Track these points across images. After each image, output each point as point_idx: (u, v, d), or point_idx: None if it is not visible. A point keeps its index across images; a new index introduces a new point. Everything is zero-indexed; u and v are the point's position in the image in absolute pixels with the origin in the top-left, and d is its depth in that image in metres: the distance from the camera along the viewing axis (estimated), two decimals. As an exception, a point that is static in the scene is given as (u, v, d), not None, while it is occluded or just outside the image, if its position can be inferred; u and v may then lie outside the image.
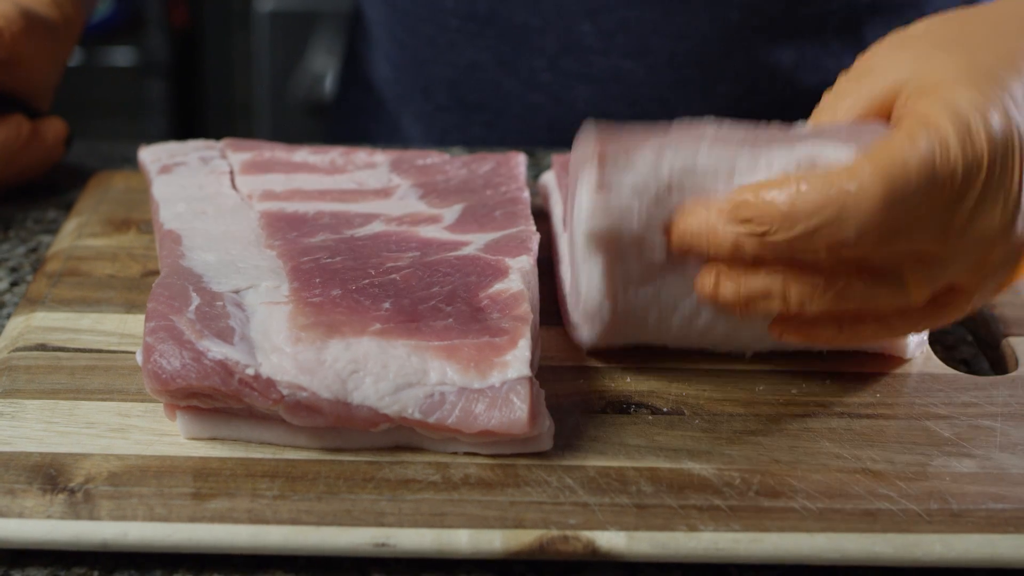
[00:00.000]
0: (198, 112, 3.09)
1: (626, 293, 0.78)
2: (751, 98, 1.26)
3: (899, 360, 0.84)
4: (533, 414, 0.72)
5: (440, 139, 1.36)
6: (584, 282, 0.78)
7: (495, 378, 0.73)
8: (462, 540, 0.69)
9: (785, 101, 1.26)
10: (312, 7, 2.76)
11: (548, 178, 1.00)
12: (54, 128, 1.09)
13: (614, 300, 0.78)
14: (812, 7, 1.21)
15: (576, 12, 1.24)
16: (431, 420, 0.72)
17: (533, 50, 1.27)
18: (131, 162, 1.12)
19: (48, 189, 1.10)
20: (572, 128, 1.27)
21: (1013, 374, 0.84)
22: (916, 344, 0.84)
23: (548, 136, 1.29)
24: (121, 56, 2.91)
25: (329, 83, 2.60)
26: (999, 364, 0.88)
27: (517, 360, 0.74)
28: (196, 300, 0.77)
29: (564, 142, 1.19)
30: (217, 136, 1.07)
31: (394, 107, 1.41)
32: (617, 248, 0.76)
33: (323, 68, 2.67)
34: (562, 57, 1.26)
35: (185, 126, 3.02)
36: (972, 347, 0.93)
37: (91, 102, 2.82)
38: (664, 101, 1.00)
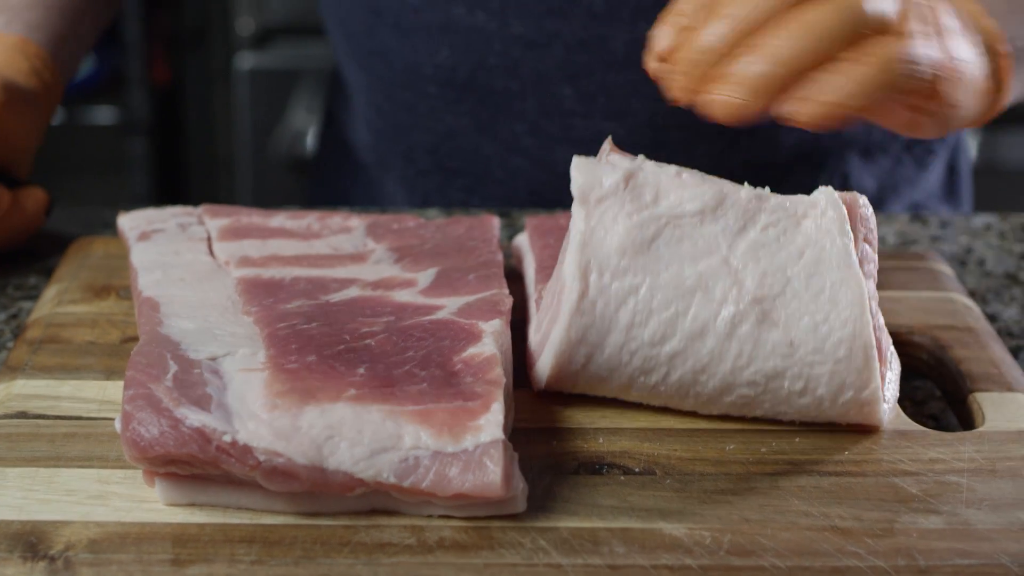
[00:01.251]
0: (180, 169, 3.10)
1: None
2: (732, 156, 1.28)
3: (874, 428, 0.85)
4: (507, 477, 0.73)
5: (423, 201, 1.37)
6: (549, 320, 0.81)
7: (469, 442, 0.74)
8: (437, 603, 0.70)
9: (765, 159, 1.28)
10: (292, 65, 2.78)
11: (522, 240, 1.02)
12: (34, 197, 1.10)
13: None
14: None
15: (556, 77, 1.25)
16: (406, 484, 0.73)
17: (513, 114, 1.28)
18: (111, 227, 1.13)
19: (28, 255, 1.11)
20: (553, 190, 1.30)
21: (979, 429, 0.86)
22: (889, 410, 0.85)
23: (529, 199, 1.31)
24: (102, 115, 2.93)
25: (310, 140, 2.61)
26: (966, 419, 0.89)
27: (490, 424, 0.75)
28: (174, 367, 0.78)
29: (545, 203, 1.21)
30: (198, 193, 1.09)
31: (375, 170, 1.42)
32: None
33: (303, 125, 2.68)
34: (543, 120, 1.28)
35: (167, 183, 3.03)
36: (941, 402, 0.94)
37: (72, 161, 2.83)
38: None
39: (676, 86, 0.83)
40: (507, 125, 1.29)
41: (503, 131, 1.29)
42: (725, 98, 0.80)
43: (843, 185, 1.31)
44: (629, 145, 1.26)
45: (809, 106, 0.79)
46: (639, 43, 1.23)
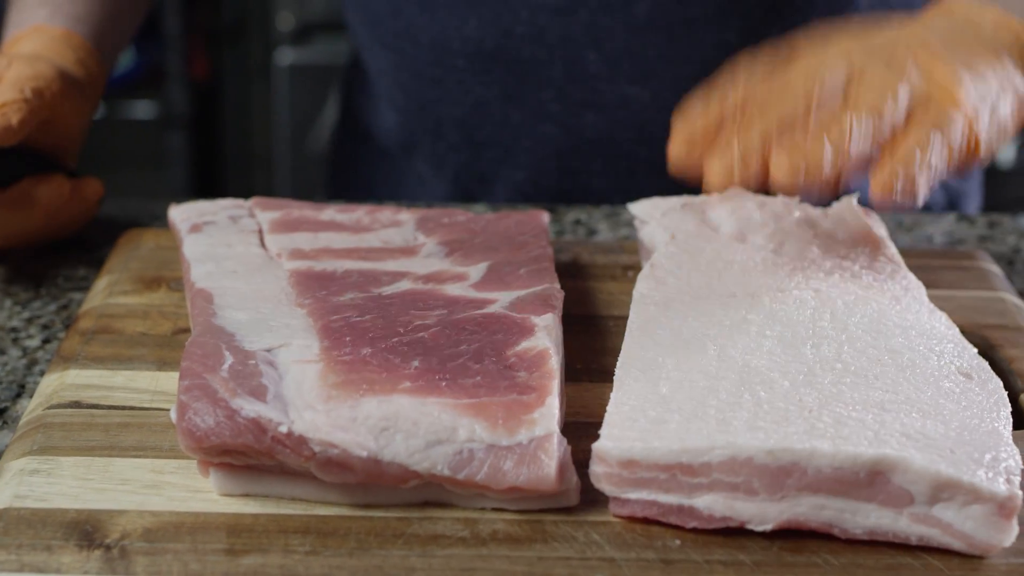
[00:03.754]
0: (218, 164, 3.10)
1: None
2: None
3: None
4: (561, 470, 0.74)
5: (453, 178, 1.37)
6: None
7: (523, 435, 0.74)
8: (491, 595, 0.70)
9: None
10: (330, 60, 2.78)
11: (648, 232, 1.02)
12: (92, 187, 1.11)
13: None
14: (807, 27, 1.23)
15: (581, 42, 1.26)
16: (460, 476, 0.73)
17: (540, 82, 1.29)
18: (159, 219, 1.14)
19: (78, 246, 1.12)
20: (580, 157, 1.30)
21: (1032, 429, 0.85)
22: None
23: (557, 164, 1.31)
24: (142, 109, 2.94)
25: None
26: (1018, 419, 0.88)
27: (544, 417, 0.75)
28: (229, 359, 0.79)
29: (573, 171, 1.22)
30: (237, 187, 1.09)
31: (399, 154, 1.42)
32: None
33: (342, 121, 2.68)
34: (569, 87, 1.28)
35: (205, 178, 3.04)
36: (991, 402, 0.94)
37: (112, 155, 2.84)
38: (670, 125, 1.02)
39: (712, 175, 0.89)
40: (534, 93, 1.29)
41: (530, 99, 1.30)
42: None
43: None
44: (653, 109, 1.26)
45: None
46: (662, 6, 1.24)
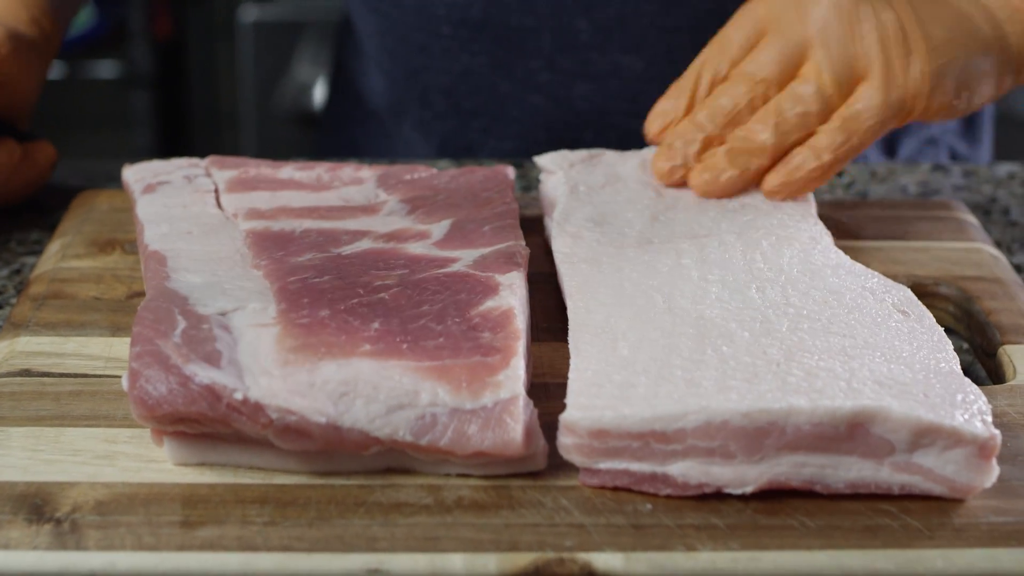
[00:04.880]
0: (183, 123, 3.07)
1: None
2: None
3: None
4: (527, 434, 0.71)
5: (440, 145, 1.35)
6: None
7: (488, 398, 0.72)
8: (456, 564, 0.68)
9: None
10: (296, 17, 2.74)
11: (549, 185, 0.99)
12: (44, 152, 1.08)
13: None
14: None
15: (571, 9, 1.23)
16: (423, 442, 0.71)
17: (529, 51, 1.26)
18: (115, 180, 1.11)
19: (31, 209, 1.09)
20: (571, 128, 1.27)
21: (1011, 383, 0.83)
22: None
23: (547, 136, 1.28)
24: (105, 69, 2.90)
25: (317, 93, 2.58)
26: (997, 373, 0.87)
27: (510, 379, 0.73)
28: (182, 323, 0.76)
29: (564, 142, 1.19)
30: (202, 147, 1.06)
31: (389, 118, 1.40)
32: None
33: (308, 78, 2.65)
34: (559, 56, 1.26)
35: (170, 138, 3.01)
36: (969, 355, 0.92)
37: (75, 116, 2.80)
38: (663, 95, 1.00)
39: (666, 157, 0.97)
40: (523, 62, 1.27)
41: (519, 68, 1.27)
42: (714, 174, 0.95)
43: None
44: (645, 79, 1.24)
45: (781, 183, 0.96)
46: None
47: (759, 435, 0.71)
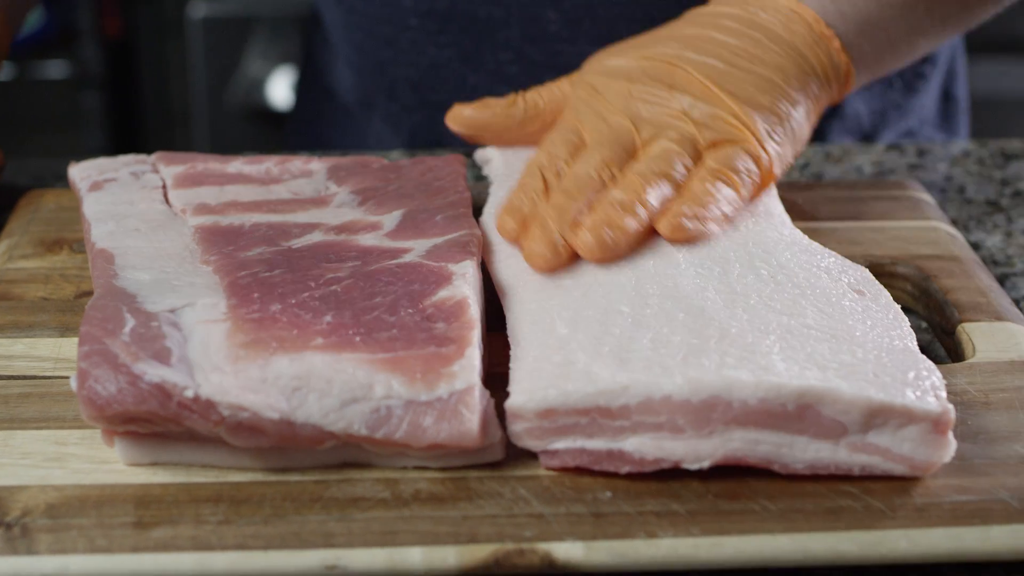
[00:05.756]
0: (135, 122, 3.05)
1: None
2: None
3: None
4: (484, 425, 0.71)
5: (409, 140, 1.34)
6: None
7: (443, 389, 0.71)
8: (415, 558, 0.67)
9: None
10: (246, 12, 2.73)
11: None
12: None
13: None
14: None
15: (540, 1, 1.22)
16: (378, 435, 0.70)
17: (497, 43, 1.25)
18: (62, 179, 1.09)
19: (-24, 211, 1.08)
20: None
21: (970, 361, 0.83)
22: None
23: None
24: (54, 69, 2.87)
25: (268, 88, 2.57)
26: (956, 351, 0.86)
27: (465, 370, 0.72)
28: (131, 321, 0.75)
29: None
30: (155, 146, 1.04)
31: (358, 111, 1.38)
32: None
33: (260, 73, 2.64)
34: (528, 48, 1.25)
35: (122, 137, 2.99)
36: (928, 334, 0.92)
37: (24, 117, 2.78)
38: None
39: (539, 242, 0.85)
40: (491, 54, 1.26)
41: (488, 60, 1.26)
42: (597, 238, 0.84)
43: (836, 111, 1.29)
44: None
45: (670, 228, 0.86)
46: None
47: (704, 408, 0.71)
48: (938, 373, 0.74)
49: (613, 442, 0.72)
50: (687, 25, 0.97)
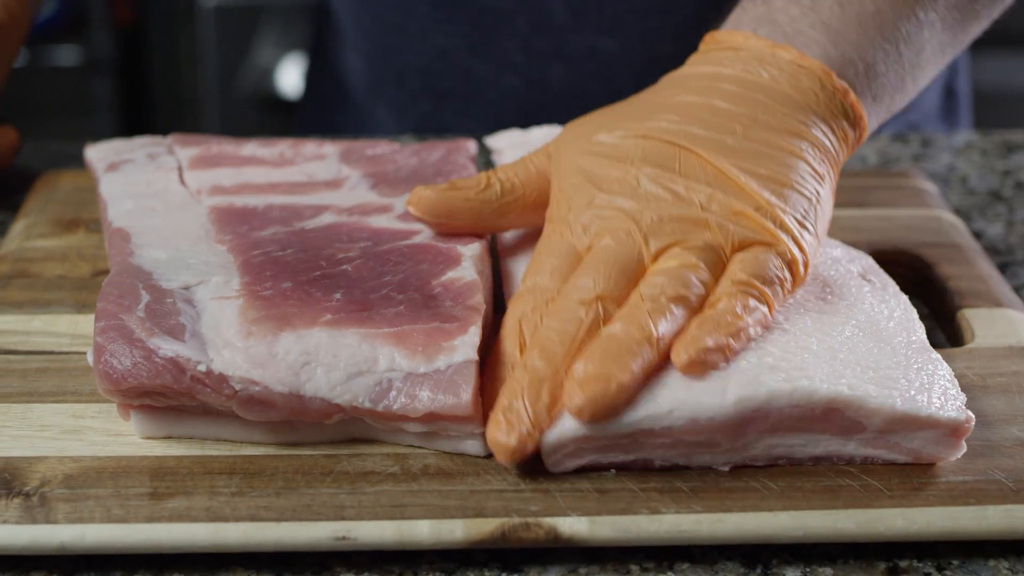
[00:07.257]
0: (146, 109, 3.06)
1: None
2: None
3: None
4: (476, 397, 0.72)
5: (416, 127, 1.35)
6: None
7: (442, 362, 0.72)
8: (423, 531, 0.69)
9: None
10: (257, 1, 2.74)
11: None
12: (7, 137, 1.07)
13: None
14: None
15: None
16: (379, 408, 0.72)
17: (504, 32, 1.26)
18: (78, 161, 1.10)
19: (-6, 191, 1.09)
20: (546, 110, 1.27)
21: (969, 346, 0.84)
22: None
23: (523, 118, 1.29)
24: (66, 55, 2.89)
25: (278, 77, 2.58)
26: (955, 337, 0.87)
27: (465, 345, 0.73)
28: (146, 298, 0.76)
29: (539, 123, 1.19)
30: (165, 132, 1.06)
31: (366, 99, 1.40)
32: None
33: (270, 62, 2.65)
34: (534, 37, 1.26)
35: (133, 124, 3.00)
36: (929, 320, 0.93)
37: (36, 103, 2.79)
38: (639, 77, 0.99)
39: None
40: (498, 43, 1.27)
41: (495, 50, 1.27)
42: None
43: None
44: (621, 61, 1.24)
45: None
46: None
47: (743, 423, 0.71)
48: (952, 373, 0.75)
49: (644, 453, 0.72)
50: (680, 91, 0.85)
